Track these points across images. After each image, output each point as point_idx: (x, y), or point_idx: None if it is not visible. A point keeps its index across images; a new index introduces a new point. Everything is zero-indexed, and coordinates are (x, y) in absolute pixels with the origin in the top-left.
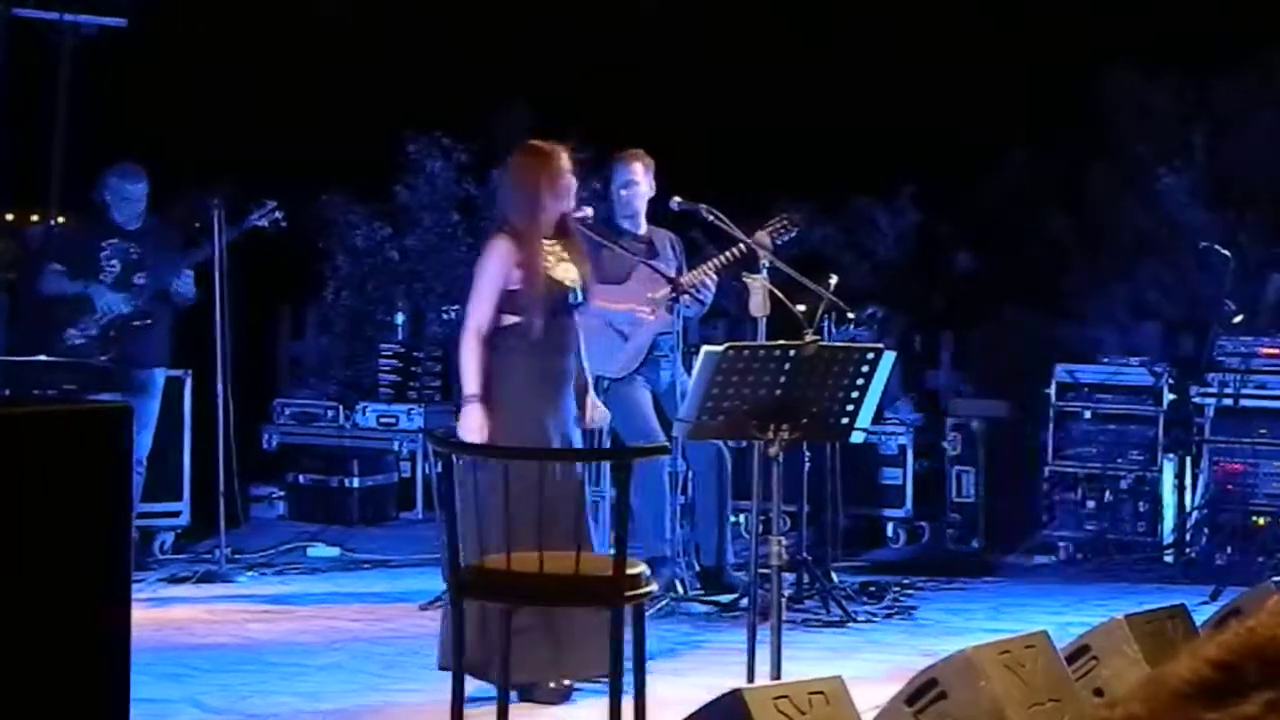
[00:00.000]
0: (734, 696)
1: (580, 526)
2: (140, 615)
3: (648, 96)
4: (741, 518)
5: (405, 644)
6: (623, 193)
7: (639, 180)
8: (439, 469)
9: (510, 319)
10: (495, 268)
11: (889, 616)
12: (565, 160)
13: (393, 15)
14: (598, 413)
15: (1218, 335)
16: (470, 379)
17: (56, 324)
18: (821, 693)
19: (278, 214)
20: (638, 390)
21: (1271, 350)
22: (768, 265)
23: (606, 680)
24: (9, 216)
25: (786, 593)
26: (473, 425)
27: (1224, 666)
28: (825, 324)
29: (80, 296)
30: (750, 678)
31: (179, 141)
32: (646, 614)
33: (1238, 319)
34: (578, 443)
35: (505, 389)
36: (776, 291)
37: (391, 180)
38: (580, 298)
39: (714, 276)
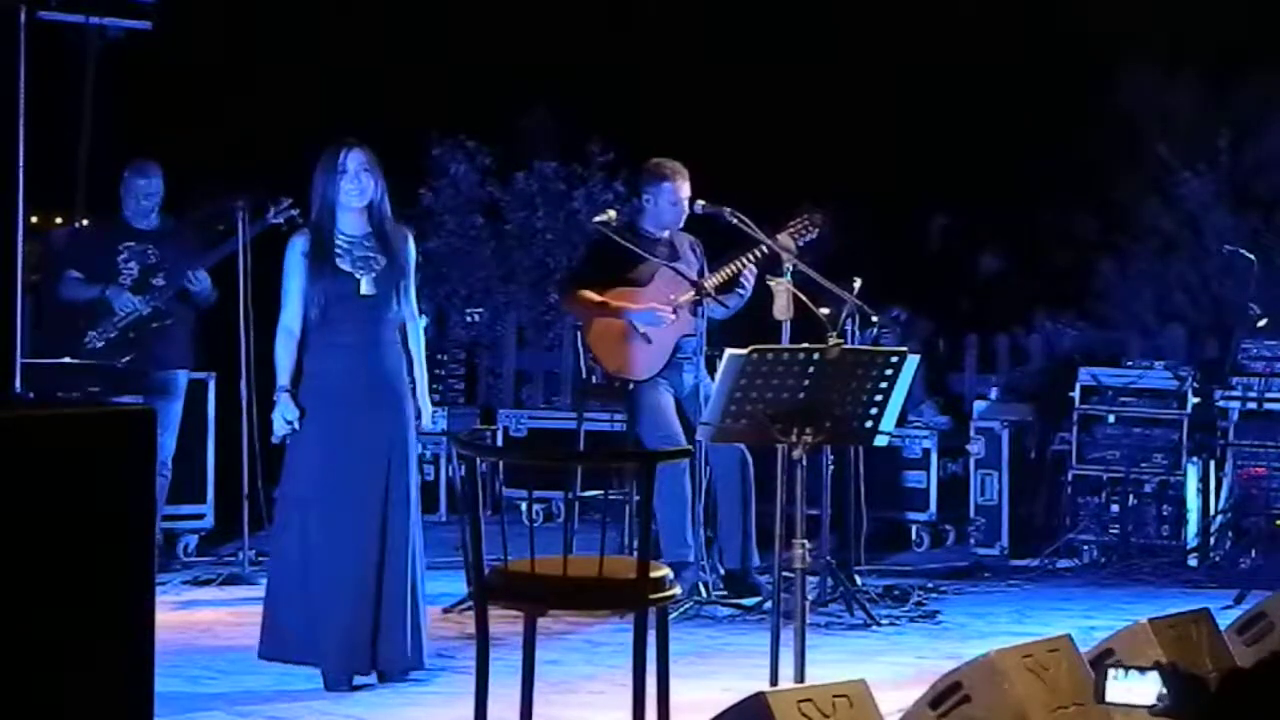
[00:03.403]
0: (757, 699)
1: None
2: (164, 617)
3: (670, 99)
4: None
5: (429, 647)
6: (673, 207)
7: (685, 198)
8: (462, 471)
9: (313, 311)
10: (287, 264)
11: (913, 620)
12: (357, 158)
13: (417, 18)
14: (420, 417)
15: (1242, 338)
16: (278, 372)
17: (77, 327)
18: (845, 696)
19: (294, 211)
20: (660, 393)
21: None
22: (791, 269)
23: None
24: (33, 219)
25: (810, 596)
26: (279, 415)
27: None
28: (849, 327)
29: (99, 300)
30: (774, 681)
31: (203, 143)
32: (670, 617)
33: (1262, 322)
34: (392, 435)
35: (305, 380)
36: (800, 295)
37: (416, 183)
38: (372, 289)
39: (752, 268)
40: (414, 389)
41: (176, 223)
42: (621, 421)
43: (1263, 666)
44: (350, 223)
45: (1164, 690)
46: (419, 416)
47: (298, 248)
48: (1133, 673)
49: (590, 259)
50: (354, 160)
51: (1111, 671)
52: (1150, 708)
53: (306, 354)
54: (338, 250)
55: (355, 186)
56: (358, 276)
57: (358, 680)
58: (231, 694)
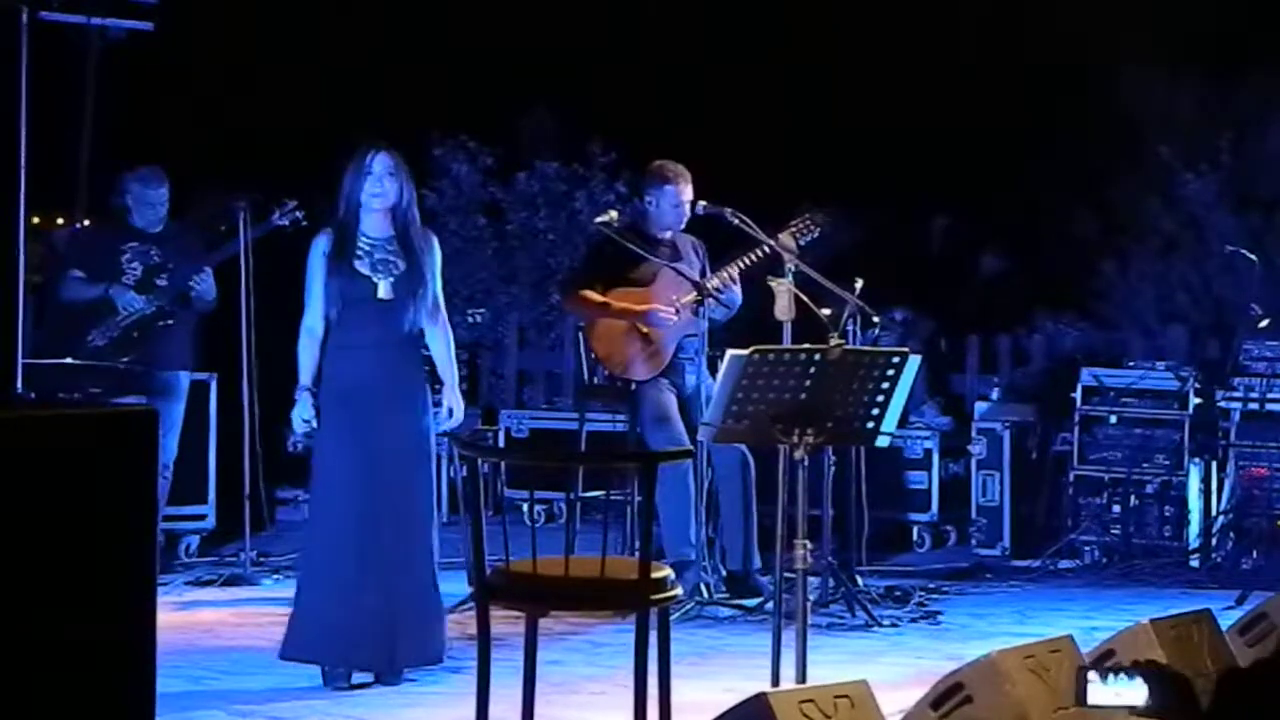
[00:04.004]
0: (759, 700)
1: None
2: (165, 618)
3: (670, 99)
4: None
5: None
6: (675, 210)
7: (687, 200)
8: (464, 472)
9: (332, 311)
10: (310, 264)
11: (914, 620)
12: (384, 161)
13: (417, 18)
14: (453, 415)
15: (1244, 339)
16: (299, 371)
17: (80, 327)
18: (846, 696)
19: (298, 213)
20: (662, 393)
21: None
22: (793, 269)
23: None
24: (35, 220)
25: (811, 597)
26: (298, 414)
27: None
28: (850, 328)
29: (102, 299)
30: (775, 681)
31: (205, 144)
32: (671, 617)
33: (1264, 323)
34: (409, 437)
35: (323, 382)
36: (801, 295)
37: (417, 184)
38: (390, 294)
39: (735, 276)
40: (438, 390)
41: (179, 225)
42: (623, 422)
43: (1262, 667)
44: (374, 225)
45: (1149, 691)
46: (450, 415)
47: (320, 247)
48: (1121, 676)
49: (592, 259)
50: (380, 163)
51: (1091, 674)
52: (1133, 709)
53: (324, 355)
54: (359, 252)
55: (379, 189)
56: (375, 280)
57: (357, 679)
58: (232, 694)
